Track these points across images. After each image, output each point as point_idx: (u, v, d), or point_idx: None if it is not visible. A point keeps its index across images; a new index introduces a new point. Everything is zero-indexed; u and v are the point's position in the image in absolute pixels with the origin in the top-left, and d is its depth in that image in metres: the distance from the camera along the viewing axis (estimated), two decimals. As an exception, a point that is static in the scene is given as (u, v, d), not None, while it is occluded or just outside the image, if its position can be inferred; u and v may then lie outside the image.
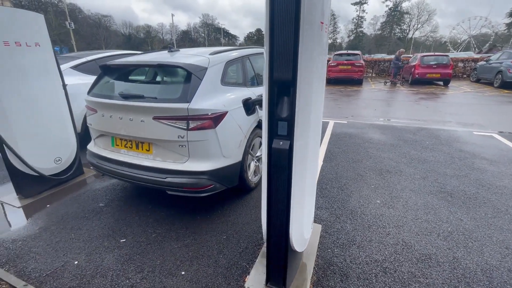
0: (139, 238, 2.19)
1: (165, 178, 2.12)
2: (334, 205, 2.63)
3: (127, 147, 2.33)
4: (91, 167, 3.45)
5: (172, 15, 45.94)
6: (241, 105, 2.42)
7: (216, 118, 2.10)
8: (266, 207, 1.46)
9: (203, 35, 69.75)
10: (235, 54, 2.69)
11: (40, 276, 1.82)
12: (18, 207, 2.70)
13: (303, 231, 1.58)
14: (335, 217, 2.45)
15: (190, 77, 2.12)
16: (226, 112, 2.19)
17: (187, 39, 67.39)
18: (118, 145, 2.38)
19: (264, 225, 1.59)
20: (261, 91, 2.90)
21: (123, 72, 2.53)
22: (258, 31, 77.19)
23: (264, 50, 1.26)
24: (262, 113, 1.35)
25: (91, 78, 4.11)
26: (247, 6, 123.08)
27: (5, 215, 2.59)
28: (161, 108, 2.04)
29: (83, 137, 3.81)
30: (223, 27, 72.64)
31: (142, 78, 2.96)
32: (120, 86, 2.42)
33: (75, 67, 4.11)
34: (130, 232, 2.26)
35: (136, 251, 2.04)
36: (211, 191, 2.24)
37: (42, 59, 2.75)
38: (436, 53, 12.35)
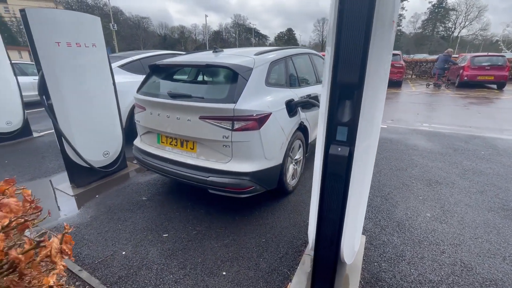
0: (180, 234, 2.24)
1: (208, 177, 2.15)
2: (378, 216, 2.48)
3: (172, 144, 2.40)
4: (135, 162, 3.65)
5: (206, 16, 47.46)
6: (284, 106, 2.39)
7: (261, 120, 2.09)
8: (316, 215, 1.40)
9: (234, 35, 70.98)
10: (278, 54, 2.65)
11: (93, 263, 1.94)
12: (72, 196, 2.93)
13: (354, 243, 1.49)
14: (380, 228, 2.30)
15: (236, 78, 2.13)
16: (270, 114, 2.17)
17: (218, 39, 69.12)
18: (163, 142, 2.46)
19: (312, 234, 1.52)
20: (303, 92, 2.82)
21: (171, 72, 2.62)
22: (289, 30, 76.48)
23: (326, 51, 1.19)
24: (319, 117, 1.29)
25: (136, 77, 4.36)
26: (278, 6, 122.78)
27: (61, 202, 2.81)
28: (208, 108, 2.07)
29: (126, 132, 4.02)
30: (254, 27, 73.18)
31: (186, 77, 3.04)
32: (168, 86, 2.50)
33: (122, 66, 4.37)
34: (171, 228, 2.32)
35: (178, 247, 2.09)
36: (252, 193, 2.23)
37: (97, 58, 2.95)
38: (490, 53, 11.17)
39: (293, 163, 2.75)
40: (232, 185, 2.11)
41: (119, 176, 3.33)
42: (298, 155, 2.82)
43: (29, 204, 0.71)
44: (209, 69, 2.55)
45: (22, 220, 0.64)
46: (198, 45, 62.56)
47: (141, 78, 4.36)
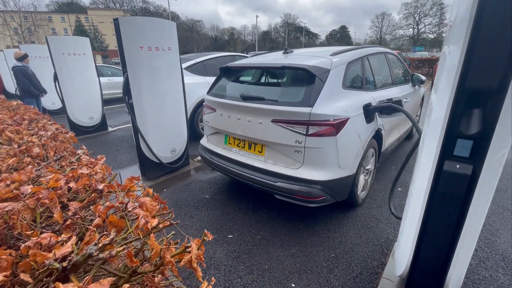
0: (244, 237, 2.27)
1: (276, 182, 2.14)
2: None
3: (239, 146, 2.45)
4: (196, 159, 3.87)
5: (257, 16, 48.61)
6: (362, 111, 2.26)
7: (338, 125, 2.00)
8: (416, 239, 1.24)
9: (283, 34, 71.06)
10: (355, 54, 2.51)
11: (167, 256, 2.07)
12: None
13: (462, 276, 1.29)
14: (477, 260, 1.98)
15: (313, 80, 2.08)
16: (348, 119, 2.07)
17: (267, 39, 70.08)
18: (230, 144, 2.53)
19: (404, 258, 1.36)
20: (380, 95, 2.62)
21: (241, 74, 2.70)
22: (342, 28, 73.33)
23: (447, 51, 1.05)
24: (428, 127, 1.14)
25: (199, 78, 4.64)
26: (329, 2, 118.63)
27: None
28: (282, 111, 2.06)
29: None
30: (304, 25, 72.13)
31: (251, 79, 3.08)
32: (240, 88, 2.56)
33: (187, 68, 4.67)
34: (235, 229, 2.37)
35: (243, 250, 2.11)
36: (321, 203, 2.16)
37: (172, 61, 3.19)
38: None
39: (364, 173, 2.58)
40: (302, 193, 2.06)
41: (182, 173, 3.55)
42: (370, 165, 2.65)
43: (158, 203, 0.76)
44: (283, 71, 2.52)
45: (168, 223, 0.68)
46: (246, 46, 64.22)
47: (203, 79, 4.68)
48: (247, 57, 4.31)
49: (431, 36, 55.57)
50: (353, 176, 2.27)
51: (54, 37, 4.85)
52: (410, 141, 4.70)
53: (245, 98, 2.29)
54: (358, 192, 2.52)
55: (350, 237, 2.24)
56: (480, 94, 0.97)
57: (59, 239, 0.56)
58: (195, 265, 0.58)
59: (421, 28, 57.63)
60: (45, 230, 0.65)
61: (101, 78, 9.26)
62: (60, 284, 0.44)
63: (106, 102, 9.33)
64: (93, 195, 0.80)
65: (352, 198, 2.44)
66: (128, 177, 0.90)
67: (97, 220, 0.63)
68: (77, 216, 0.68)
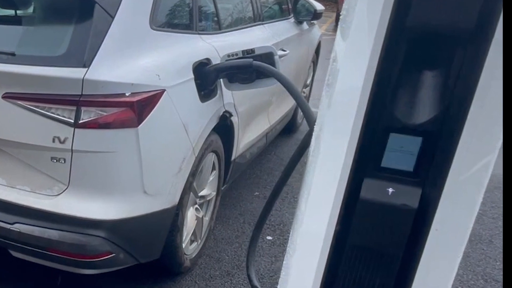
0: None
1: (13, 224, 1.77)
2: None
3: None
4: None
5: None
6: (192, 76, 1.99)
7: (142, 104, 1.68)
8: None
9: None
10: None
11: None
12: None
13: None
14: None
15: (90, 11, 1.73)
16: (163, 92, 1.78)
17: None
18: None
19: None
20: (231, 43, 2.39)
21: None
22: None
23: None
24: (329, 109, 0.95)
25: None
26: None
27: None
28: (24, 75, 1.71)
29: None
30: None
31: None
32: None
33: None
34: None
35: None
36: (107, 267, 1.83)
37: None
38: None
39: (197, 205, 2.29)
40: (67, 246, 1.72)
41: None
42: (208, 188, 2.37)
43: None
44: None
45: None
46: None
47: None
48: None
49: None
50: (172, 212, 1.96)
51: None
52: (292, 137, 4.02)
53: None
54: (184, 245, 2.21)
55: None
56: (438, 42, 0.75)
57: None
58: None
59: None
60: None
61: None
62: None
63: None
64: None
65: (171, 257, 2.11)
66: None
67: None
68: None
